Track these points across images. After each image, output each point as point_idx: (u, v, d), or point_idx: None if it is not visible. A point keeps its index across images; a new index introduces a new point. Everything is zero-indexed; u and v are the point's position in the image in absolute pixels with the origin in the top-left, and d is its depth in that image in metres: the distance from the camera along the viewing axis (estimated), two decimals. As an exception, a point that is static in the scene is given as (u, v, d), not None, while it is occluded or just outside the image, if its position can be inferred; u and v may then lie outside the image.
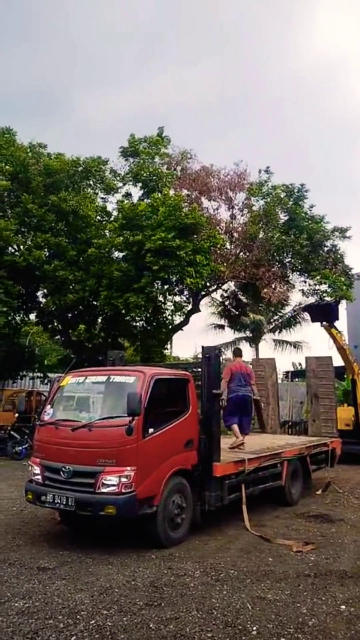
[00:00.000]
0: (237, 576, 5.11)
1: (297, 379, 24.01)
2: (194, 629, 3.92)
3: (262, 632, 3.89)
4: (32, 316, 19.42)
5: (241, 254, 17.20)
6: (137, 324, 17.68)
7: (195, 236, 14.70)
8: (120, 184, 18.19)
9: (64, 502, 5.84)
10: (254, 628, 3.95)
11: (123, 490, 5.63)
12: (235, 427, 8.63)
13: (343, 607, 4.38)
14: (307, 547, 6.14)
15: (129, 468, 5.70)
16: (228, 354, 28.56)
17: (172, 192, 16.47)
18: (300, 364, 29.80)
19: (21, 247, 15.79)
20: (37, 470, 6.32)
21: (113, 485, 5.64)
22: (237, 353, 9.67)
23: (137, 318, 16.80)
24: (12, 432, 14.31)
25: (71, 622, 4.02)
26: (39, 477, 6.26)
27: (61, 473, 5.96)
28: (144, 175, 17.32)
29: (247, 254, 16.89)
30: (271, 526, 7.20)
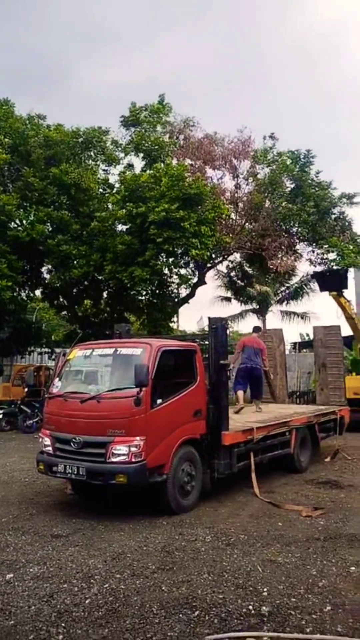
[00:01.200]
0: (247, 540, 5.18)
1: (304, 350, 24.00)
2: (206, 590, 3.99)
3: (273, 592, 3.95)
4: (38, 292, 19.41)
5: (247, 224, 16.96)
6: (143, 297, 17.59)
7: (199, 207, 14.45)
8: (121, 155, 17.83)
9: (75, 472, 5.92)
10: (265, 589, 4.01)
11: (133, 460, 5.69)
12: (240, 393, 9.31)
13: (352, 568, 4.43)
14: (317, 512, 6.20)
15: (138, 438, 5.75)
16: (234, 326, 28.54)
17: (174, 161, 16.15)
18: (307, 335, 29.76)
19: (24, 221, 15.65)
20: (47, 441, 6.40)
21: (123, 454, 5.70)
22: (255, 329, 10.63)
23: (142, 292, 16.71)
24: (22, 406, 14.50)
25: (85, 585, 4.11)
26: (50, 448, 6.34)
27: (71, 444, 6.03)
28: (146, 145, 16.95)
29: (253, 224, 16.65)
30: (280, 493, 7.28)
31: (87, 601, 3.83)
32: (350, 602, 3.78)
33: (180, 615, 3.58)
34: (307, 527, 5.67)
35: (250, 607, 3.70)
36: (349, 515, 6.07)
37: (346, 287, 12.64)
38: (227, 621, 3.50)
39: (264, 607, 3.69)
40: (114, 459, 5.75)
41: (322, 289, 13.00)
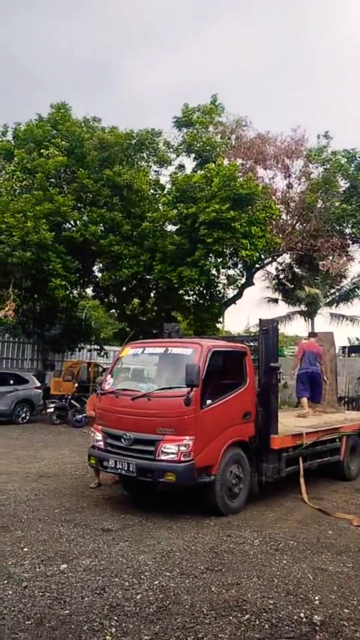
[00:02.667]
0: (296, 547, 5.11)
1: (354, 354, 23.29)
2: (256, 595, 3.97)
3: (325, 602, 3.88)
4: (89, 290, 19.92)
5: (298, 224, 16.69)
6: (190, 297, 17.68)
7: (250, 207, 14.36)
8: (173, 156, 18.01)
9: (126, 468, 6.04)
10: (316, 598, 3.95)
11: (182, 459, 5.73)
12: (305, 400, 9.39)
13: None
14: (369, 522, 6.03)
15: (187, 437, 5.78)
16: (280, 328, 28.03)
17: (226, 161, 16.10)
18: (357, 339, 28.84)
19: (77, 222, 16.08)
20: (99, 436, 6.55)
21: (172, 453, 5.76)
22: (312, 334, 10.70)
23: (190, 292, 16.80)
24: (72, 401, 14.91)
25: (136, 581, 4.19)
26: (101, 443, 6.49)
27: (122, 440, 6.15)
28: (198, 145, 17.01)
29: (305, 224, 16.36)
30: (329, 500, 7.13)
31: (138, 596, 3.90)
32: None
33: (231, 618, 3.58)
34: (359, 537, 5.52)
35: (302, 614, 3.65)
36: None
37: None
38: (278, 627, 3.47)
39: (315, 616, 3.64)
40: (163, 457, 5.81)
41: None
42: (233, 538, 5.31)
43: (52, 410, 15.11)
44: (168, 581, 4.19)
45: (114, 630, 3.39)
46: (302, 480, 7.09)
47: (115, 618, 3.55)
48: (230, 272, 17.05)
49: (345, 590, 4.09)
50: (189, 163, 17.98)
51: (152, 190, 17.61)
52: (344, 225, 16.07)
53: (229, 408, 6.39)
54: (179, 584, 4.14)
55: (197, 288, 16.03)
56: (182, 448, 5.78)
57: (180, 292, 16.67)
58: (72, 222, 16.14)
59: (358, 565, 4.66)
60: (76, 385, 15.45)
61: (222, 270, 16.45)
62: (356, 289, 22.92)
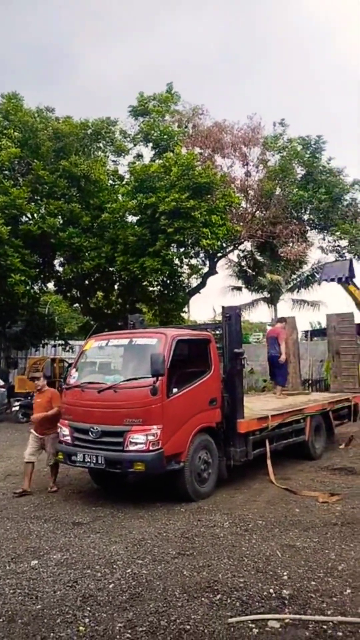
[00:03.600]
0: (265, 526, 5.25)
1: (316, 338, 23.88)
2: (226, 575, 4.06)
3: (293, 576, 4.01)
4: (50, 285, 19.56)
5: (257, 212, 16.87)
6: (154, 288, 17.66)
7: (209, 196, 14.41)
8: (130, 145, 17.81)
9: (94, 461, 6.02)
10: (285, 573, 4.07)
11: (151, 448, 5.77)
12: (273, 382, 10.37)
13: (371, 552, 4.47)
14: (333, 497, 6.24)
15: (155, 426, 5.82)
16: (245, 315, 28.44)
17: (184, 150, 16.06)
18: (319, 323, 29.54)
19: (35, 215, 15.73)
20: (66, 431, 6.50)
21: (141, 443, 5.78)
22: (279, 320, 11.23)
23: (154, 282, 16.77)
24: (38, 399, 14.66)
25: (108, 571, 4.20)
26: (69, 437, 6.44)
27: (90, 433, 6.12)
28: (155, 134, 16.88)
29: (264, 212, 16.57)
30: (296, 479, 7.33)
31: (110, 586, 3.92)
32: (370, 585, 3.82)
33: (203, 599, 3.65)
34: (324, 512, 5.71)
35: (271, 590, 3.76)
36: (365, 501, 6.10)
37: (354, 276, 12.30)
38: (249, 604, 3.56)
39: (284, 591, 3.75)
40: (131, 448, 5.83)
41: (328, 279, 12.46)
42: (203, 522, 5.40)
43: (17, 408, 14.84)
44: (140, 569, 4.22)
45: (87, 620, 3.40)
46: (269, 461, 7.26)
47: (88, 608, 3.56)
48: (193, 261, 17.11)
49: (312, 564, 4.24)
50: (147, 152, 17.87)
51: (110, 181, 17.40)
52: (302, 211, 16.38)
53: (195, 395, 6.46)
54: (151, 570, 4.18)
55: (160, 278, 16.02)
56: (150, 437, 5.81)
57: (144, 283, 16.62)
58: (28, 215, 15.77)
59: (324, 539, 4.83)
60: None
61: (184, 259, 16.48)
62: (316, 274, 23.51)
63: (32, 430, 7.12)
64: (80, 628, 3.30)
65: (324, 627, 3.23)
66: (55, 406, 6.93)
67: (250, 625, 3.27)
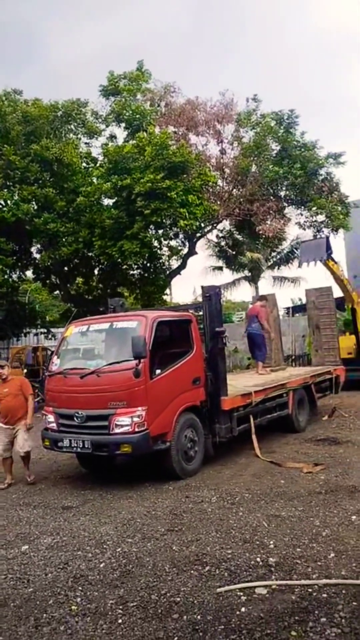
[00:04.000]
0: (251, 498, 5.37)
1: (297, 314, 24.13)
2: (215, 547, 4.16)
3: (279, 544, 4.12)
4: (29, 273, 19.28)
5: (234, 190, 16.78)
6: (135, 271, 17.55)
7: (185, 175, 14.28)
8: (103, 126, 17.47)
9: (81, 446, 6.05)
10: (271, 542, 4.19)
11: (136, 429, 5.82)
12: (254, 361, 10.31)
13: (354, 517, 4.62)
14: (317, 467, 6.40)
15: (140, 408, 5.86)
16: (228, 295, 28.55)
17: (157, 130, 15.83)
18: (300, 299, 29.81)
19: (8, 201, 15.38)
20: (51, 418, 6.51)
21: (126, 425, 5.83)
22: (258, 298, 11.34)
23: (133, 266, 16.65)
24: (22, 387, 14.60)
25: (98, 551, 4.27)
26: (54, 424, 6.45)
27: (75, 419, 6.14)
28: (127, 114, 16.58)
29: (241, 189, 16.48)
30: (281, 452, 7.49)
31: (101, 565, 3.99)
32: (353, 548, 3.96)
33: (192, 572, 3.74)
34: (309, 482, 5.86)
35: (258, 559, 3.87)
36: (348, 469, 6.27)
37: (331, 252, 12.33)
38: (237, 574, 3.66)
39: (271, 559, 3.86)
40: (117, 430, 5.88)
41: (306, 259, 12.41)
42: (191, 498, 5.50)
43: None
44: (130, 547, 4.30)
45: (79, 599, 3.46)
46: (254, 436, 7.39)
47: (80, 588, 3.62)
48: (172, 242, 17.00)
49: (297, 532, 4.36)
50: (120, 133, 17.54)
51: (84, 164, 17.08)
52: (278, 188, 16.31)
53: (179, 375, 6.51)
54: (140, 548, 4.26)
55: (140, 262, 15.90)
56: (136, 419, 5.86)
57: (124, 267, 16.50)
58: (2, 202, 15.43)
59: (308, 508, 4.96)
60: (24, 371, 15.13)
61: (163, 241, 16.38)
62: (295, 250, 23.62)
63: (0, 424, 6.77)
64: (73, 607, 3.36)
65: (310, 590, 3.34)
66: (28, 395, 6.80)
67: (238, 593, 3.37)
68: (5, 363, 7.41)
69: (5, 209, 15.17)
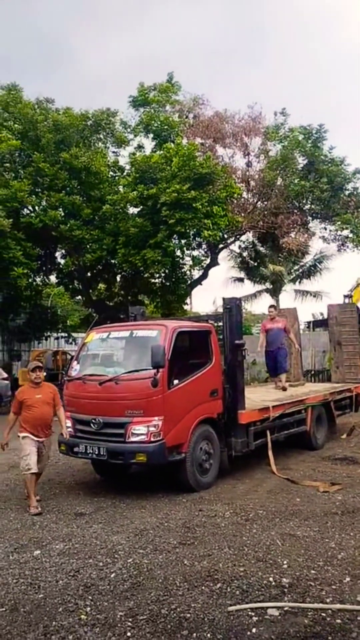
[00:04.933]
0: (266, 516, 5.28)
1: (318, 329, 23.85)
2: (227, 564, 4.10)
3: (292, 565, 4.04)
4: (52, 277, 19.58)
5: (259, 202, 16.80)
6: (156, 280, 17.65)
7: (211, 186, 14.36)
8: (131, 136, 17.73)
9: (96, 452, 6.06)
10: (285, 562, 4.11)
11: (152, 439, 5.80)
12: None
13: (371, 541, 4.50)
14: (334, 487, 6.27)
15: (156, 418, 5.85)
16: (248, 307, 28.38)
17: (184, 141, 15.97)
18: (321, 314, 29.45)
19: (36, 207, 15.72)
20: (68, 423, 6.52)
21: (142, 434, 5.82)
22: (270, 307, 10.55)
23: (155, 274, 16.76)
24: (41, 391, 14.72)
25: (110, 560, 4.25)
26: (71, 429, 6.46)
27: (91, 425, 6.16)
28: (155, 125, 16.79)
29: (265, 202, 16.49)
30: (297, 469, 7.36)
31: (112, 575, 3.96)
32: (369, 573, 3.85)
33: (203, 588, 3.69)
34: (325, 502, 5.75)
35: (271, 579, 3.80)
36: (366, 491, 6.13)
37: None
38: (249, 593, 3.60)
39: (284, 579, 3.79)
40: (133, 439, 5.87)
41: None
42: (205, 512, 5.44)
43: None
44: (142, 558, 4.27)
45: (88, 609, 3.44)
46: (270, 452, 7.29)
47: (90, 597, 3.61)
48: (195, 252, 17.08)
49: (312, 553, 4.27)
50: (148, 143, 17.78)
51: (111, 172, 17.34)
52: (303, 201, 16.28)
53: (196, 387, 6.47)
54: (152, 560, 4.23)
55: (162, 270, 16.00)
56: (152, 429, 5.84)
57: (146, 275, 16.61)
58: (30, 208, 15.76)
59: (324, 528, 4.86)
60: (44, 374, 15.27)
61: (186, 251, 16.45)
62: (317, 265, 23.44)
63: (27, 434, 5.83)
64: (82, 616, 3.34)
65: (323, 614, 3.26)
66: (59, 405, 6.11)
67: (249, 613, 3.31)
68: (42, 365, 6.39)
69: (33, 214, 15.49)
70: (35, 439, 5.85)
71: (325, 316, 15.47)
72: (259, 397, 8.38)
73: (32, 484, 5.82)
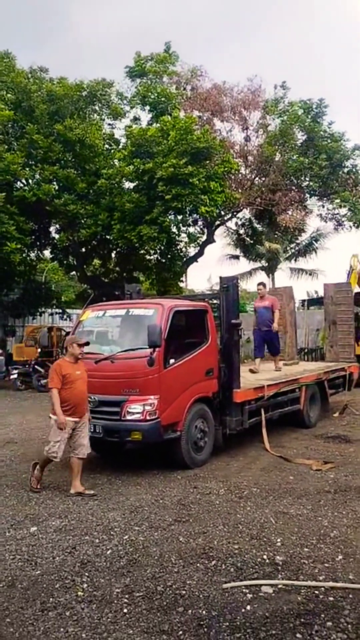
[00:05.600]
0: (259, 493, 5.35)
1: (312, 307, 23.89)
2: (221, 541, 4.16)
3: (286, 543, 4.11)
4: (47, 253, 19.35)
5: (257, 179, 16.55)
6: (152, 257, 17.48)
7: (208, 161, 14.10)
8: (127, 108, 17.28)
9: (92, 430, 6.06)
10: (278, 540, 4.17)
11: (148, 417, 5.83)
12: (257, 360, 9.47)
13: (363, 519, 4.58)
14: (327, 465, 6.36)
15: (152, 397, 5.86)
16: (243, 284, 28.34)
17: (182, 114, 15.60)
18: (316, 292, 29.48)
19: (29, 181, 15.38)
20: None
21: (138, 412, 5.84)
22: (259, 285, 9.91)
23: (151, 251, 16.57)
24: (36, 366, 14.76)
25: (106, 537, 4.30)
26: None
27: (88, 403, 6.15)
28: (152, 97, 16.35)
29: (263, 178, 16.25)
30: (290, 447, 7.46)
31: (108, 552, 4.02)
32: (361, 551, 3.92)
33: (198, 565, 3.75)
34: (318, 480, 5.83)
35: (265, 556, 3.86)
36: (358, 469, 6.23)
37: None
38: (243, 570, 3.66)
39: (278, 557, 3.85)
40: (129, 417, 5.89)
41: None
42: (199, 489, 5.51)
43: (15, 376, 14.94)
44: (137, 535, 4.32)
45: (85, 585, 3.49)
46: (264, 430, 7.37)
47: (87, 574, 3.66)
48: (191, 229, 16.86)
49: (305, 531, 4.34)
50: (144, 115, 17.36)
51: (106, 145, 16.95)
52: (302, 178, 16.05)
53: (192, 366, 6.48)
54: (147, 537, 4.28)
55: (158, 247, 15.81)
56: (148, 407, 5.86)
57: (142, 251, 16.43)
58: (23, 181, 15.42)
59: (317, 506, 4.94)
60: (39, 350, 15.27)
61: (182, 227, 16.24)
62: (314, 243, 23.33)
63: (67, 417, 5.43)
64: (79, 593, 3.39)
65: (316, 592, 3.32)
66: None
67: (244, 590, 3.37)
68: (83, 341, 5.88)
69: (26, 188, 15.17)
70: (73, 419, 5.50)
71: (320, 294, 15.45)
72: (254, 375, 8.42)
73: (79, 468, 5.56)
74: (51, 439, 5.57)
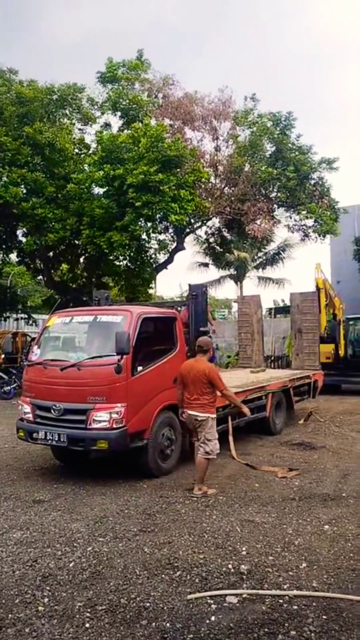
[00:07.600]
0: (225, 502, 5.35)
1: (279, 315, 24.31)
2: (187, 551, 4.12)
3: (251, 551, 4.11)
4: (13, 256, 18.93)
5: (226, 188, 16.71)
6: (121, 263, 17.35)
7: (178, 170, 14.14)
8: (98, 114, 17.16)
9: (56, 439, 5.95)
10: (244, 548, 4.17)
11: (114, 426, 5.75)
12: None
13: (326, 527, 4.64)
14: (292, 472, 6.43)
15: (119, 404, 5.79)
16: (213, 291, 28.55)
17: (153, 121, 15.63)
18: (283, 300, 30.06)
19: (-4, 183, 15.03)
20: (27, 409, 6.38)
21: (104, 421, 5.76)
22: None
23: (120, 257, 16.46)
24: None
25: (68, 549, 4.20)
26: (30, 415, 6.33)
27: (52, 411, 6.03)
28: (124, 103, 16.31)
29: (233, 188, 16.42)
30: (257, 454, 7.51)
31: (71, 564, 3.92)
32: (325, 559, 3.97)
33: (163, 576, 3.70)
34: (283, 487, 5.88)
35: (230, 566, 3.85)
36: (322, 476, 6.32)
37: None
38: (208, 580, 3.63)
39: (242, 566, 3.85)
40: (95, 426, 5.80)
41: None
42: (165, 498, 5.46)
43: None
44: (101, 546, 4.24)
45: (46, 600, 3.39)
46: (231, 437, 7.38)
47: (48, 588, 3.55)
48: (161, 236, 16.86)
49: (270, 539, 4.36)
50: (115, 122, 17.28)
51: (76, 150, 16.76)
52: (270, 189, 16.30)
53: (161, 373, 6.45)
54: (112, 548, 4.20)
55: (127, 253, 15.71)
56: (114, 415, 5.79)
57: (111, 257, 16.29)
58: (-10, 184, 15.05)
59: (282, 514, 4.97)
60: (2, 356, 14.89)
61: (152, 234, 16.21)
62: (281, 253, 23.78)
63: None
64: (39, 608, 3.29)
65: (280, 601, 3.33)
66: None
67: (209, 601, 3.34)
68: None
69: (-7, 190, 14.79)
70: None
71: (287, 303, 15.72)
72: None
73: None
74: (212, 437, 5.80)
